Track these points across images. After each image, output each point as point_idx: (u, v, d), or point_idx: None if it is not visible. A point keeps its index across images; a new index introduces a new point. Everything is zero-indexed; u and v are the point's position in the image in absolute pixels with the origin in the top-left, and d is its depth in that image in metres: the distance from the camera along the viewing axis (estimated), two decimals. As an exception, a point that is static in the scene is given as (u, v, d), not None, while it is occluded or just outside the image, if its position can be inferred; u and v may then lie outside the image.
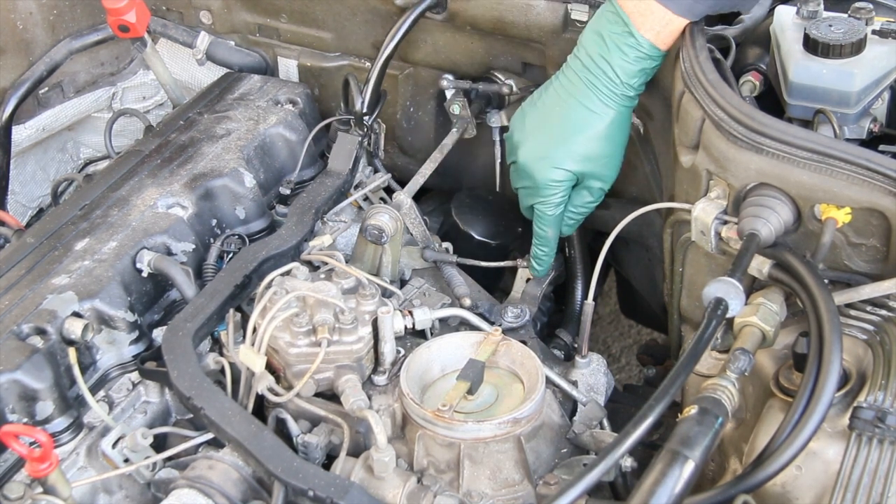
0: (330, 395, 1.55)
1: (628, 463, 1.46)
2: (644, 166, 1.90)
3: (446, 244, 1.92)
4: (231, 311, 1.60)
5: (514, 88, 1.99)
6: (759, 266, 1.46)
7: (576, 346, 1.83)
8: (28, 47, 2.10)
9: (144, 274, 1.62)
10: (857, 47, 1.50)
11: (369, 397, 1.51)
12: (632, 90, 1.65)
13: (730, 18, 1.69)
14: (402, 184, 1.94)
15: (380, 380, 1.58)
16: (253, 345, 1.51)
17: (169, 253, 1.67)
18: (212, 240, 1.74)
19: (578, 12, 1.81)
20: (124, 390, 1.57)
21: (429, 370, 1.57)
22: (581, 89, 1.66)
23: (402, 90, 2.10)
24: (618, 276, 2.47)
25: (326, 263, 1.67)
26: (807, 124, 1.53)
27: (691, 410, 1.27)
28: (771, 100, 1.60)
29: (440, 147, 2.00)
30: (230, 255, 1.72)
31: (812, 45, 1.51)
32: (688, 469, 1.20)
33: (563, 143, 1.69)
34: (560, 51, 1.83)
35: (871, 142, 1.55)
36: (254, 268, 1.62)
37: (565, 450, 1.54)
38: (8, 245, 1.79)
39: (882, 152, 1.39)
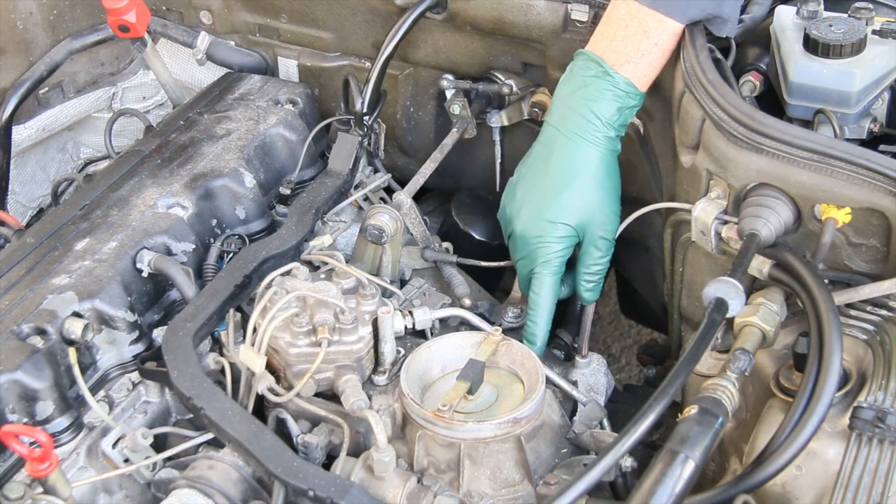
0: (330, 395, 1.55)
1: (628, 463, 1.46)
2: (644, 166, 1.90)
3: (446, 244, 1.92)
4: (231, 311, 1.60)
5: (514, 88, 1.99)
6: (759, 266, 1.46)
7: (576, 346, 1.83)
8: (28, 47, 2.10)
9: (144, 274, 1.62)
10: (857, 47, 1.50)
11: (369, 397, 1.51)
12: (612, 130, 1.65)
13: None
14: (402, 184, 1.94)
15: (380, 380, 1.58)
16: (253, 345, 1.51)
17: (169, 253, 1.67)
18: (212, 240, 1.74)
19: (578, 12, 1.81)
20: (124, 390, 1.57)
21: (429, 370, 1.57)
22: (562, 142, 1.67)
23: (402, 90, 2.10)
24: (618, 276, 2.47)
25: (326, 263, 1.67)
26: (807, 124, 1.53)
27: (691, 410, 1.27)
28: (771, 100, 1.60)
29: (440, 147, 2.00)
30: (230, 255, 1.72)
31: (812, 45, 1.51)
32: (688, 469, 1.20)
33: (555, 199, 1.67)
34: (560, 51, 1.83)
35: (871, 142, 1.55)
36: (254, 268, 1.62)
37: (565, 450, 1.54)
38: (8, 245, 1.79)
39: (882, 152, 1.39)
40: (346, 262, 1.67)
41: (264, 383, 1.50)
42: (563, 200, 1.67)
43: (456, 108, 2.01)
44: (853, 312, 1.41)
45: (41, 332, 1.48)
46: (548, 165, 1.69)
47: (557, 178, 1.67)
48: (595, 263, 1.72)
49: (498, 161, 2.07)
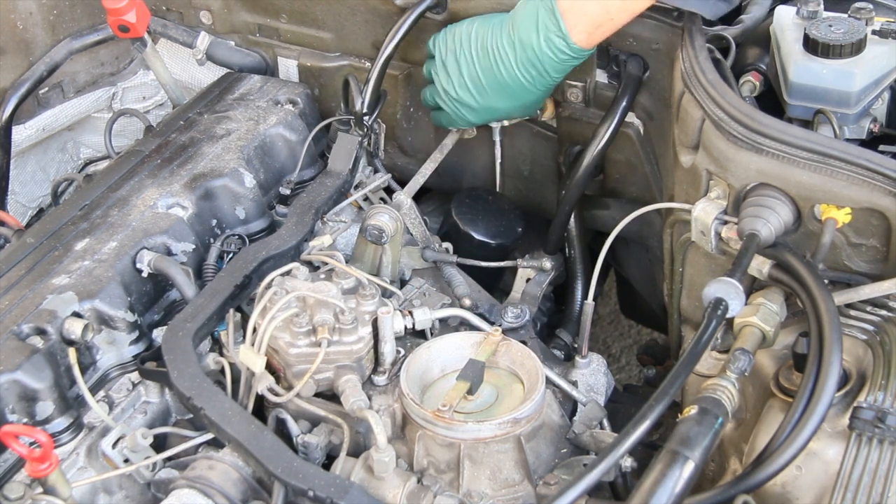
0: (330, 395, 1.55)
1: (628, 463, 1.46)
2: (644, 166, 1.90)
3: (446, 244, 1.92)
4: (231, 311, 1.60)
5: (514, 88, 1.99)
6: (759, 266, 1.46)
7: (576, 346, 1.83)
8: (28, 47, 2.11)
9: (144, 274, 1.62)
10: (857, 47, 1.50)
11: (369, 397, 1.51)
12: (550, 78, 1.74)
13: (730, 18, 1.69)
14: (402, 184, 1.94)
15: (380, 380, 1.58)
16: (253, 345, 1.51)
17: (169, 253, 1.67)
18: (212, 240, 1.74)
19: (578, 12, 1.81)
20: (124, 390, 1.57)
21: (429, 370, 1.57)
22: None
23: (402, 90, 2.10)
24: (618, 276, 2.47)
25: (326, 263, 1.66)
26: (807, 124, 1.53)
27: (691, 410, 1.27)
28: (771, 100, 1.60)
29: (440, 147, 2.00)
30: (230, 255, 1.72)
31: (812, 46, 1.51)
32: (688, 469, 1.20)
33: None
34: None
35: (871, 142, 1.55)
36: (254, 268, 1.62)
37: (565, 450, 1.54)
38: (8, 245, 1.79)
39: (882, 152, 1.39)
40: (346, 262, 1.67)
41: (264, 383, 1.50)
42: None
43: (456, 108, 2.01)
44: (853, 312, 1.41)
45: (41, 332, 1.48)
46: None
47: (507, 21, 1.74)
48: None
49: (498, 161, 2.06)
